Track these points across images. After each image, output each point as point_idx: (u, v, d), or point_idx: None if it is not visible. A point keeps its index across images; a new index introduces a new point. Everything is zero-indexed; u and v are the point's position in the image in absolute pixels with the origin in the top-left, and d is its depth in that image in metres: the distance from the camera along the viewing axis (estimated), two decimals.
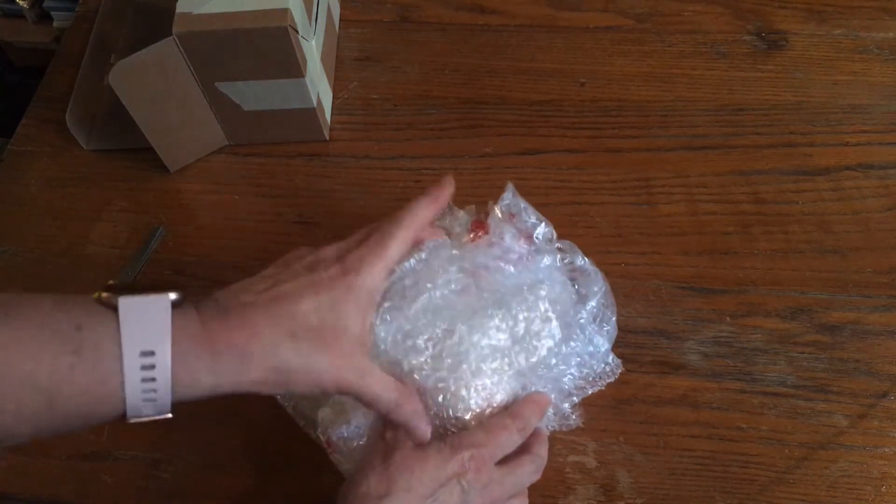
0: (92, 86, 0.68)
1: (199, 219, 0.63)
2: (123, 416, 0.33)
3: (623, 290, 0.56)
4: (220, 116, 0.63)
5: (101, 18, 0.72)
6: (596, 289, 0.49)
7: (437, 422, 0.43)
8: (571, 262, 0.49)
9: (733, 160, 0.62)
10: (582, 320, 0.48)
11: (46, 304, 0.32)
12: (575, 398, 0.48)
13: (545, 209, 0.60)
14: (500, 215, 0.48)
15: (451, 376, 0.43)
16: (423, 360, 0.43)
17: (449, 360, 0.43)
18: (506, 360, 0.44)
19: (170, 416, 0.34)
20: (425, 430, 0.41)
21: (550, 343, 0.46)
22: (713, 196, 0.60)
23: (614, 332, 0.49)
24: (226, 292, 0.38)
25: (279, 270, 0.40)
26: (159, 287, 0.34)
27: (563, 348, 0.47)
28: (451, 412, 0.43)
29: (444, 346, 0.43)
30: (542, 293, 0.46)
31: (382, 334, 0.43)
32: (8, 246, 0.63)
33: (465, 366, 0.43)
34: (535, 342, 0.45)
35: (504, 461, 0.43)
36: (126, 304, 0.33)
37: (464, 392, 0.43)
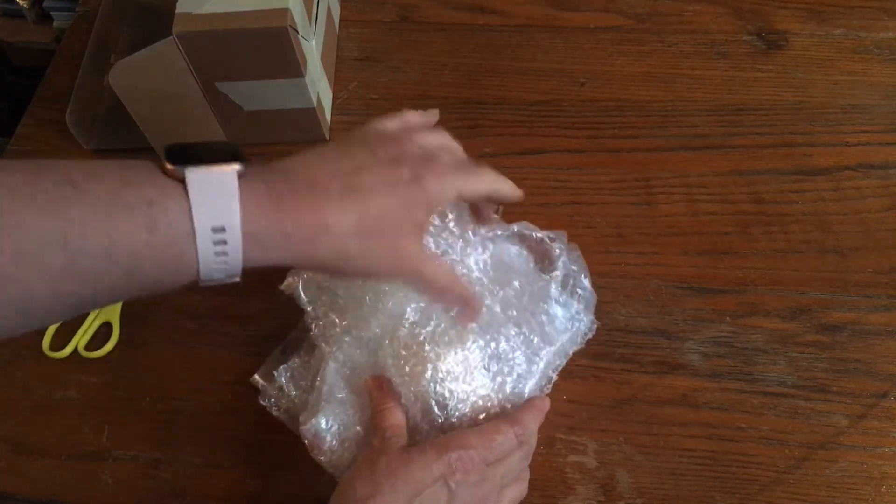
0: (92, 86, 0.68)
1: None
2: (196, 282, 0.34)
3: (623, 290, 0.56)
4: (220, 116, 0.63)
5: (101, 18, 0.72)
6: (558, 251, 0.51)
7: (426, 426, 0.44)
8: (520, 232, 0.51)
9: (733, 160, 0.62)
10: (541, 282, 0.50)
11: (114, 172, 0.32)
12: (559, 361, 0.50)
13: (545, 209, 0.61)
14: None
15: (427, 380, 0.44)
16: (396, 363, 0.45)
17: (419, 368, 0.44)
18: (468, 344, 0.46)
19: (238, 279, 0.35)
20: (474, 310, 0.44)
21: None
22: (713, 196, 0.60)
23: (590, 296, 0.51)
24: (296, 164, 0.37)
25: (360, 151, 0.39)
26: (219, 150, 0.34)
27: (525, 312, 0.48)
28: (436, 408, 0.44)
29: (420, 352, 0.45)
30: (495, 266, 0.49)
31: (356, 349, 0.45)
32: None
33: (439, 362, 0.44)
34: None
35: None
36: (193, 178, 0.33)
37: (438, 388, 0.44)
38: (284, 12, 0.54)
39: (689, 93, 0.66)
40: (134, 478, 0.52)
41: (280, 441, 0.51)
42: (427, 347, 0.44)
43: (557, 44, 0.70)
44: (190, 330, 0.57)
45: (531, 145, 0.64)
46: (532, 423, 0.44)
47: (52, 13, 1.23)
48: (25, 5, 1.23)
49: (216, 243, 0.33)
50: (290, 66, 0.57)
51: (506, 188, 0.43)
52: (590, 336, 0.52)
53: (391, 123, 0.43)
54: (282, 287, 0.49)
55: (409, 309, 0.45)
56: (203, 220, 0.32)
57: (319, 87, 0.64)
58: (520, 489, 0.45)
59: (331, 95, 0.68)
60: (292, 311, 0.50)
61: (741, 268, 0.57)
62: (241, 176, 0.33)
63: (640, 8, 0.72)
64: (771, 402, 0.51)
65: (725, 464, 0.50)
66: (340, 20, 0.73)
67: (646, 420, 0.51)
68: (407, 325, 0.45)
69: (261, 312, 0.57)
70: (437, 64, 0.70)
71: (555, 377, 0.50)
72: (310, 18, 0.61)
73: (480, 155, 0.64)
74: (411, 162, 0.39)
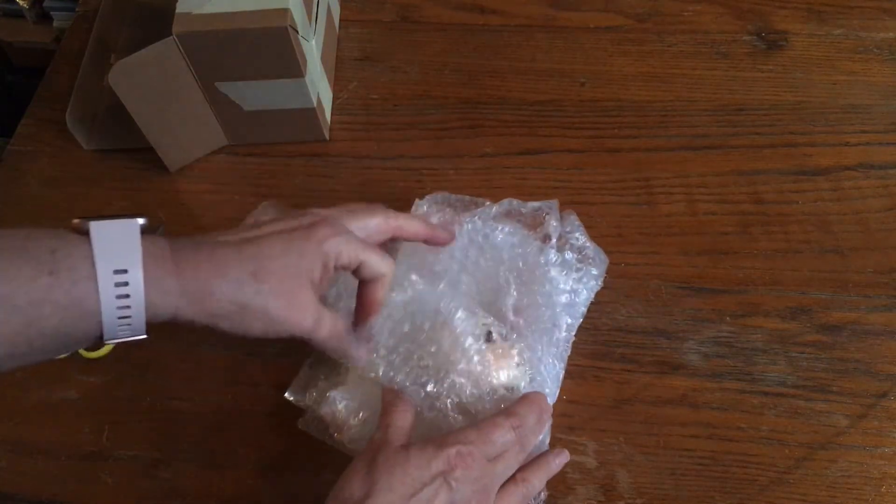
0: (92, 86, 0.68)
1: (199, 219, 0.63)
2: (100, 337, 0.35)
3: (623, 290, 0.56)
4: (220, 116, 0.63)
5: (101, 18, 0.72)
6: (546, 217, 0.53)
7: (439, 412, 0.44)
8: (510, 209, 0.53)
9: (733, 160, 0.62)
10: (534, 252, 0.51)
11: (20, 234, 0.33)
12: (570, 321, 0.51)
13: None
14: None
15: (436, 369, 0.45)
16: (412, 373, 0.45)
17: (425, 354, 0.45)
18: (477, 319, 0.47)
19: (145, 336, 0.36)
20: (360, 353, 0.44)
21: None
22: (713, 196, 0.60)
23: (593, 251, 0.53)
24: (206, 235, 0.40)
25: (257, 220, 0.42)
26: (125, 215, 0.36)
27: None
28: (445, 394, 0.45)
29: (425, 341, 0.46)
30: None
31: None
32: None
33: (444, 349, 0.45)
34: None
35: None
36: (97, 226, 0.34)
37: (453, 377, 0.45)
38: (284, 12, 0.54)
39: (689, 93, 0.66)
40: (134, 478, 0.52)
41: (280, 441, 0.51)
42: (441, 359, 0.45)
43: (557, 44, 0.70)
44: (190, 330, 0.57)
45: (531, 145, 0.64)
46: (528, 415, 0.44)
47: (52, 13, 1.23)
48: (25, 5, 1.23)
49: (118, 285, 0.33)
50: (290, 66, 0.57)
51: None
52: (598, 288, 0.53)
53: None
54: None
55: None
56: (104, 262, 0.33)
57: (319, 87, 0.64)
58: (522, 492, 0.43)
59: (331, 95, 0.68)
60: None
61: (741, 268, 0.57)
62: (144, 231, 0.35)
63: (640, 8, 0.72)
64: (771, 402, 0.51)
65: (725, 464, 0.50)
66: (340, 20, 0.73)
67: (646, 420, 0.51)
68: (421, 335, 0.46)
69: None
70: (437, 64, 0.70)
71: (572, 337, 0.52)
72: (310, 18, 0.61)
73: (481, 155, 0.64)
74: (312, 216, 0.40)
